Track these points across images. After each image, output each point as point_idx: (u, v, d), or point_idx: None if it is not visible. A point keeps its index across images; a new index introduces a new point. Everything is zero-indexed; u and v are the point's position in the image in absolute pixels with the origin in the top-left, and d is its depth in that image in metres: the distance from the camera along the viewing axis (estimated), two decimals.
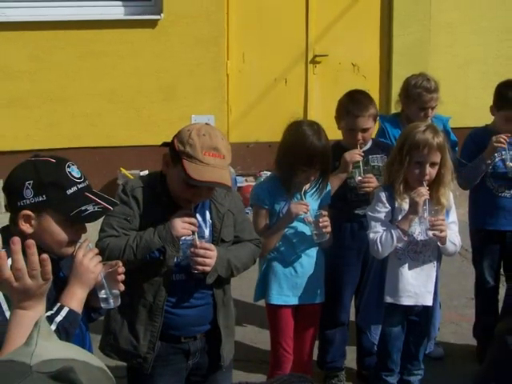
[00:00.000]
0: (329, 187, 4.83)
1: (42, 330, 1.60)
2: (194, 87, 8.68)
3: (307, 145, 4.54)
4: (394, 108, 6.00)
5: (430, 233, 4.49)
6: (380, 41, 9.35)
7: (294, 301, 4.77)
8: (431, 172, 4.46)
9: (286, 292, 4.75)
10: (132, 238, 3.61)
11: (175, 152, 3.57)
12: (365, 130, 5.09)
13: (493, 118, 5.65)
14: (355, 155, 5.00)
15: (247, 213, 4.47)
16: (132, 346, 3.78)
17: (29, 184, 2.79)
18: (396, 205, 4.53)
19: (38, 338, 1.58)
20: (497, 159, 5.54)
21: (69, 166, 2.86)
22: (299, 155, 4.54)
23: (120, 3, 8.61)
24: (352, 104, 5.11)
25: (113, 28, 8.48)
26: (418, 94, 5.48)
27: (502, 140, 5.37)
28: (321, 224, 4.54)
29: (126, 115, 8.62)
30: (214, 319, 3.83)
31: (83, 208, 2.82)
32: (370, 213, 4.62)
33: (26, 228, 2.79)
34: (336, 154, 4.91)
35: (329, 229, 4.56)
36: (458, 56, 9.42)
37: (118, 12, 8.59)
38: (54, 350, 1.59)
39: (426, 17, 9.19)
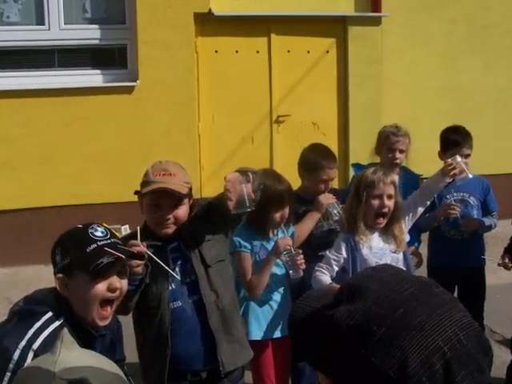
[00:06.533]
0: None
1: (65, 340, 1.66)
2: (169, 147, 8.72)
3: (275, 188, 4.65)
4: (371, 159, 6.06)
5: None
6: (337, 101, 9.54)
7: (271, 335, 4.81)
8: (389, 204, 4.53)
9: (264, 327, 4.78)
10: None
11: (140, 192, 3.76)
12: (332, 179, 5.26)
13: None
14: (330, 198, 5.10)
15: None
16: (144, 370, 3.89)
17: (58, 251, 2.85)
18: (356, 251, 4.55)
19: (61, 348, 1.63)
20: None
21: (92, 227, 2.85)
22: (271, 198, 4.61)
23: (99, 71, 8.71)
24: (326, 159, 5.20)
25: (93, 94, 8.55)
26: (386, 137, 5.59)
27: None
28: (298, 262, 4.61)
29: (108, 174, 8.63)
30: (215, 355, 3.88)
31: (99, 261, 2.77)
32: (327, 252, 4.68)
33: (64, 291, 2.81)
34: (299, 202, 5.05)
35: (303, 266, 4.63)
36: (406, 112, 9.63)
37: (97, 80, 8.68)
38: (75, 358, 1.65)
39: (378, 78, 9.42)
